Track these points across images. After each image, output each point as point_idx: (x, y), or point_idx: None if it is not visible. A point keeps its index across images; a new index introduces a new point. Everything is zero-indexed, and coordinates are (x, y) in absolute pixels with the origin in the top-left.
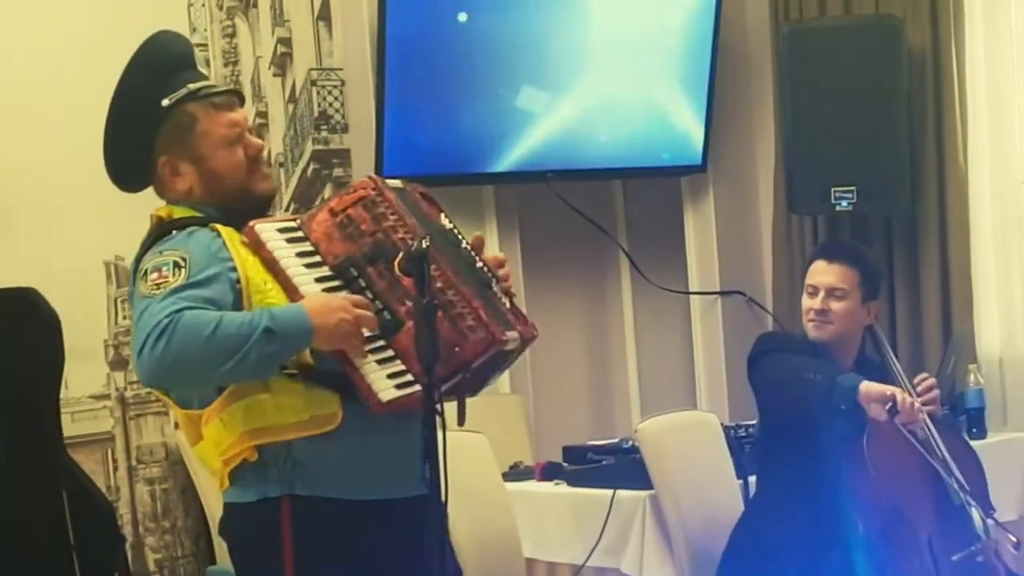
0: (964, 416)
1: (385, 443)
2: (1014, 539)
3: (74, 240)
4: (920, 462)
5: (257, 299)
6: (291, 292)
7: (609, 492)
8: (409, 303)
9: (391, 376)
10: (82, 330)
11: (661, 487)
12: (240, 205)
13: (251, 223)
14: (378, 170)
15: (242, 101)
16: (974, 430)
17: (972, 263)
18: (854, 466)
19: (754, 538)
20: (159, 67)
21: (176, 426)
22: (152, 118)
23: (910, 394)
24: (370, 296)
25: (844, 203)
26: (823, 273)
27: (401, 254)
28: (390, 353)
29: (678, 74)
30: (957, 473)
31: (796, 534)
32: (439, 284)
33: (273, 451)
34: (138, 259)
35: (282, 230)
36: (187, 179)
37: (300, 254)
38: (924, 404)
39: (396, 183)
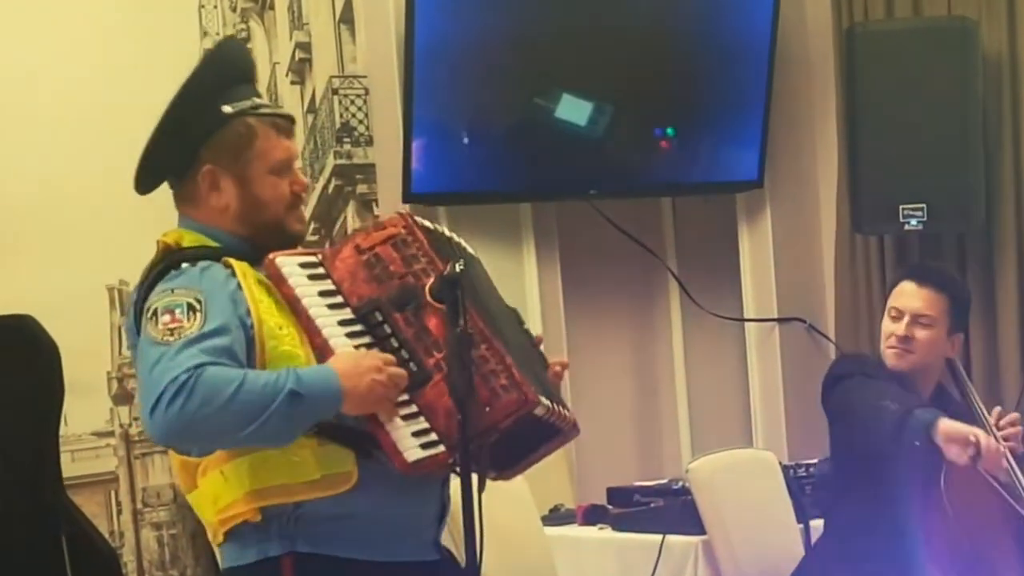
0: None
1: (399, 505)
2: None
3: (74, 264)
4: (1002, 505)
5: (271, 345)
6: (313, 335)
7: (658, 537)
8: (437, 354)
9: (416, 435)
10: (83, 361)
11: (714, 532)
12: (267, 240)
13: (272, 256)
14: (406, 186)
15: (293, 131)
16: None
17: None
18: (930, 508)
19: None
20: (225, 74)
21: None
22: (208, 121)
23: (993, 435)
24: (395, 344)
25: (914, 221)
26: (911, 296)
27: (433, 278)
28: (414, 409)
29: (733, 81)
30: None
31: None
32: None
33: (278, 509)
34: (143, 291)
35: (304, 265)
36: (225, 197)
37: (322, 293)
38: (1005, 441)
39: (427, 223)
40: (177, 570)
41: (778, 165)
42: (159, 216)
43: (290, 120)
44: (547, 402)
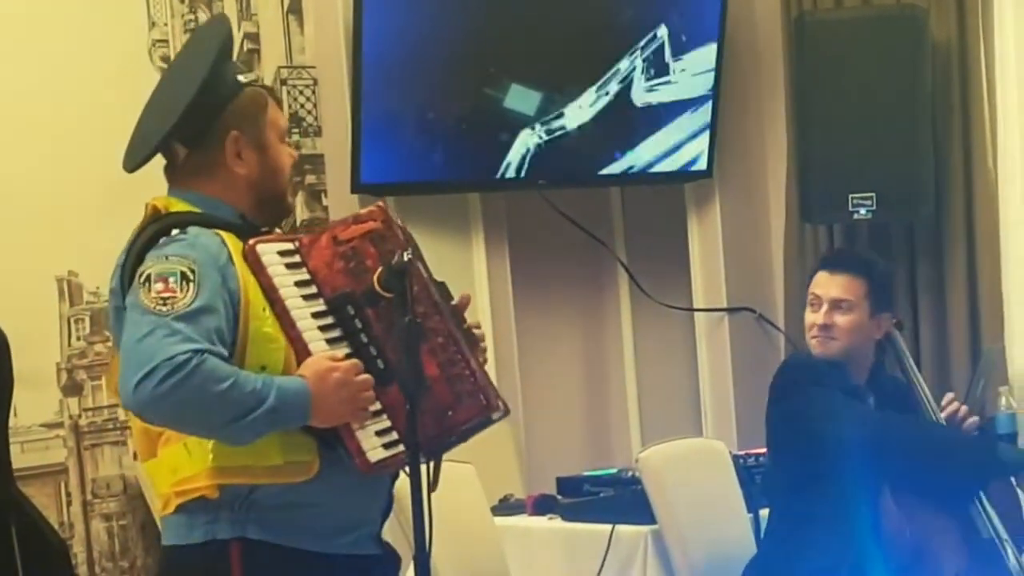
0: None
1: (353, 498)
2: None
3: (23, 255)
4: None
5: (254, 326)
6: (287, 326)
7: (608, 527)
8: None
9: (379, 434)
10: (32, 352)
11: (664, 521)
12: (270, 212)
13: (252, 242)
14: (355, 177)
15: None
16: None
17: (1003, 275)
18: (876, 499)
19: None
20: (229, 48)
21: (135, 457)
22: (230, 88)
23: (934, 414)
24: (364, 340)
25: (862, 211)
26: (826, 284)
27: (380, 268)
28: (378, 406)
29: (680, 71)
30: (987, 505)
31: (816, 572)
32: (440, 339)
33: (234, 491)
34: (133, 254)
35: (282, 253)
36: (247, 164)
37: (298, 283)
38: (957, 419)
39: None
40: (127, 561)
41: (727, 155)
42: (108, 207)
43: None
44: (505, 406)
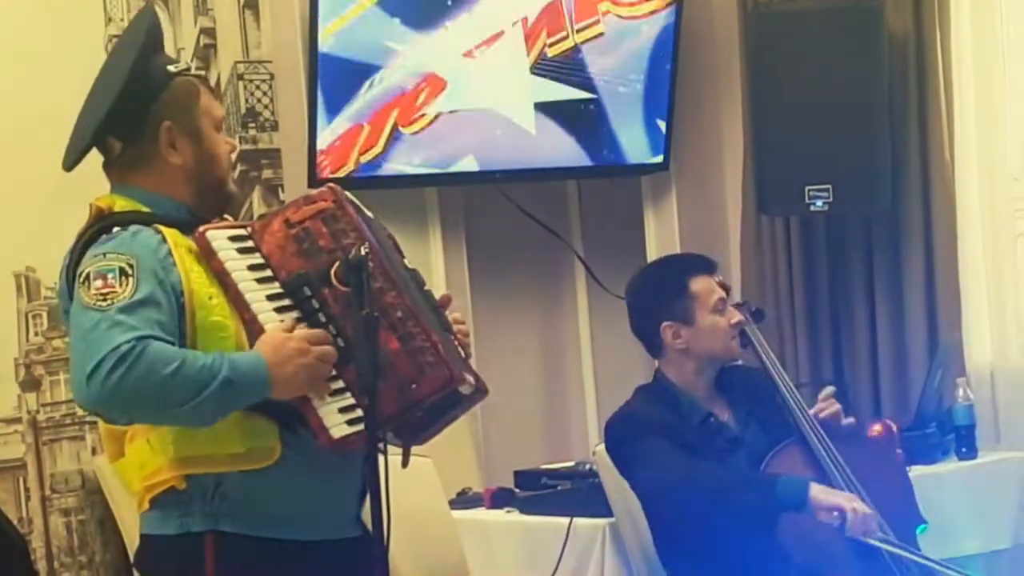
0: (952, 434)
1: (322, 481)
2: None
3: None
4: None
5: (201, 315)
6: (242, 310)
7: (565, 520)
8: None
9: (342, 411)
10: None
11: (622, 514)
12: (209, 202)
13: (201, 229)
14: (311, 171)
15: None
16: (963, 449)
17: (960, 267)
18: (766, 545)
19: None
20: (158, 37)
21: (93, 452)
22: (159, 79)
23: (791, 396)
24: (323, 319)
25: (819, 203)
26: (715, 286)
27: (337, 262)
28: (340, 384)
29: (636, 63)
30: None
31: None
32: (399, 314)
33: (201, 482)
34: (75, 255)
35: (233, 238)
36: (182, 155)
37: (252, 267)
38: (818, 416)
39: (352, 198)
40: (85, 556)
41: (683, 148)
42: (66, 203)
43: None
44: (472, 379)
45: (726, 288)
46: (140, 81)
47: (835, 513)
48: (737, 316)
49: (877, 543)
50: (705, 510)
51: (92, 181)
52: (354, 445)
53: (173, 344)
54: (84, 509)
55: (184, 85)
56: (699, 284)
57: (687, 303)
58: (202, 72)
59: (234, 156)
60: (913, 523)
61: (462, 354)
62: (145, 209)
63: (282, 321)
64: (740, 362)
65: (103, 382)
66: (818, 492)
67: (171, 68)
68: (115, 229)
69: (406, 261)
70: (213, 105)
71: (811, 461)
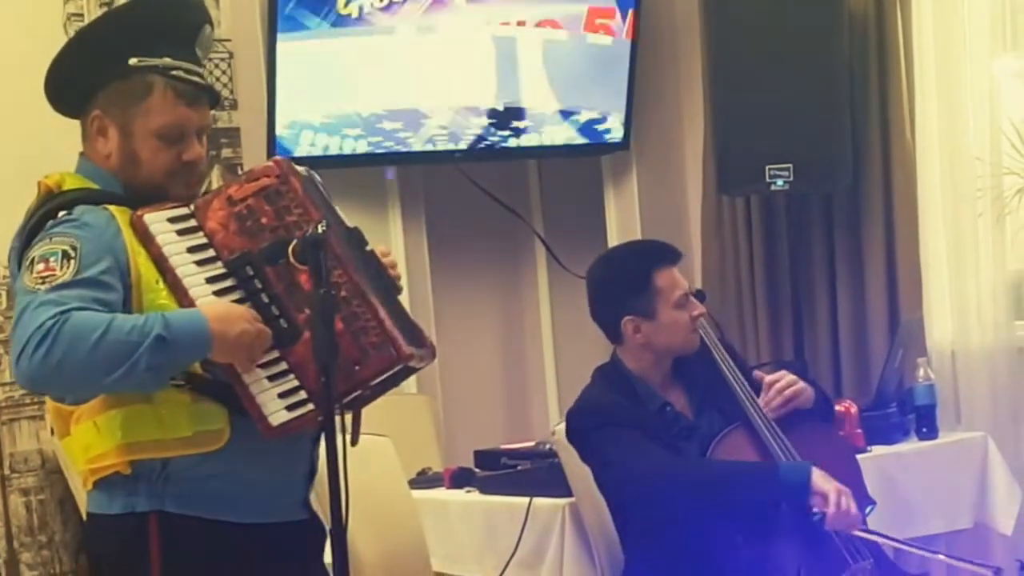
0: (913, 414)
1: (270, 464)
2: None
3: None
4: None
5: (149, 298)
6: (179, 294)
7: (525, 500)
8: (309, 310)
9: (283, 395)
10: None
11: (581, 494)
12: (142, 197)
13: (139, 212)
14: (270, 151)
15: (213, 103)
16: (924, 429)
17: (921, 246)
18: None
19: None
20: (148, 26)
21: (52, 432)
22: (110, 69)
23: (734, 378)
24: (266, 299)
25: (780, 182)
26: (679, 278)
27: (295, 241)
28: (283, 367)
29: (596, 43)
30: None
31: None
32: (344, 293)
33: (148, 463)
34: (23, 239)
35: (173, 219)
36: (109, 145)
37: (192, 248)
38: (773, 405)
39: (302, 170)
40: (45, 535)
41: (644, 127)
42: (20, 184)
43: (205, 90)
44: (418, 351)
45: None
46: (81, 66)
47: (820, 501)
48: (699, 309)
49: (857, 533)
50: (694, 503)
51: (47, 163)
52: (296, 429)
53: None
54: (44, 489)
55: (135, 82)
56: (663, 279)
57: (650, 298)
58: (189, 67)
59: (201, 166)
60: (862, 505)
61: (410, 319)
62: (94, 186)
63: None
64: None
65: (30, 361)
66: (818, 477)
67: (134, 61)
68: (60, 213)
69: (347, 221)
70: (166, 111)
71: (757, 445)
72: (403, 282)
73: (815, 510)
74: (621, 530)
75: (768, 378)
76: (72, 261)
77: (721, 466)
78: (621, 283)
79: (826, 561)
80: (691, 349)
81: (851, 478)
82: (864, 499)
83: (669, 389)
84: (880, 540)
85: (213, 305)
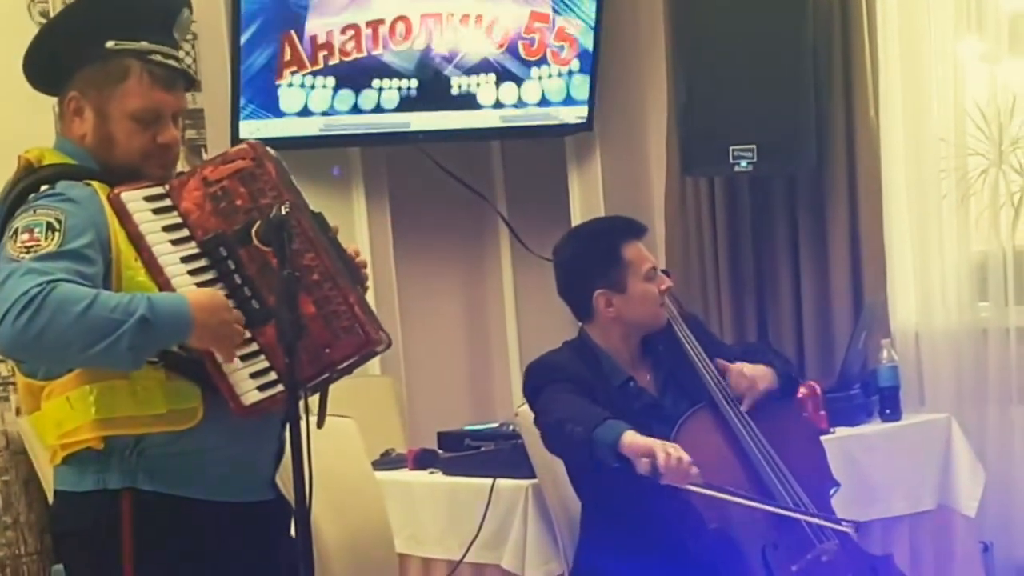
0: (876, 396)
1: (240, 444)
2: (847, 529)
3: None
4: (739, 465)
5: (128, 275)
6: (154, 272)
7: (488, 481)
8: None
9: (254, 375)
10: None
11: (544, 475)
12: (116, 176)
13: (116, 190)
14: (234, 132)
15: (188, 87)
16: (888, 411)
17: (885, 227)
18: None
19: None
20: (133, 7)
21: (17, 413)
22: (86, 52)
23: (699, 359)
24: (238, 281)
25: (743, 163)
26: (646, 252)
27: (259, 222)
28: (254, 347)
29: (559, 23)
30: (791, 483)
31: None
32: (316, 276)
33: (120, 440)
34: (6, 209)
35: (149, 198)
36: (85, 126)
37: (167, 228)
38: (737, 395)
39: (274, 154)
40: (10, 516)
41: (607, 108)
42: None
43: (181, 74)
44: (386, 337)
45: None
46: (59, 48)
47: (645, 460)
48: (667, 282)
49: (695, 488)
50: (555, 443)
51: (20, 144)
52: (266, 409)
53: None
54: (8, 470)
55: (112, 65)
56: (631, 251)
57: (620, 271)
58: (166, 51)
59: (175, 148)
60: (826, 486)
61: (368, 305)
62: (72, 162)
63: (197, 286)
64: None
65: (11, 325)
66: (629, 437)
67: (111, 44)
68: (43, 187)
69: (312, 207)
70: (142, 94)
71: (721, 425)
72: (367, 264)
73: (646, 467)
74: (581, 500)
75: (732, 366)
76: (56, 233)
77: (561, 414)
78: (591, 257)
79: (791, 542)
80: (659, 324)
81: (815, 459)
82: (828, 480)
83: (635, 366)
84: (722, 496)
85: (197, 293)
